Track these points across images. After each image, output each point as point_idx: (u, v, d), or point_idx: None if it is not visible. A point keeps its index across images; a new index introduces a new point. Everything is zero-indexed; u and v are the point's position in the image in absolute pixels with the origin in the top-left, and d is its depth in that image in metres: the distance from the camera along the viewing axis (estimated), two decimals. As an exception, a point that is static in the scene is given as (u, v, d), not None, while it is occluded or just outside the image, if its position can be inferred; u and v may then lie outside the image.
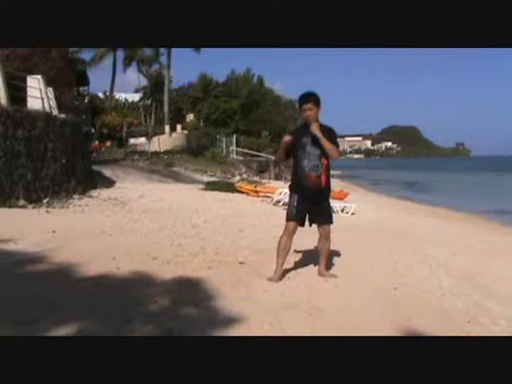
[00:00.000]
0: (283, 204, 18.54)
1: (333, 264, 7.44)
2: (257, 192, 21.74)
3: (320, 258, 6.68)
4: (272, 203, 19.37)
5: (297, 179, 6.36)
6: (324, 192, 6.40)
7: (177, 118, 62.41)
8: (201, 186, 24.56)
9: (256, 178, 33.50)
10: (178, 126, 42.76)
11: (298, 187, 6.36)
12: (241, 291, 5.68)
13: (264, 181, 32.44)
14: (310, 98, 6.23)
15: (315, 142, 6.16)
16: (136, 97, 74.52)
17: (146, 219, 11.89)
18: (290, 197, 6.48)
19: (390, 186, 45.85)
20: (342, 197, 21.22)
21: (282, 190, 20.34)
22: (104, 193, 18.62)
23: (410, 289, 6.44)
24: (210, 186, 23.86)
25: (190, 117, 65.45)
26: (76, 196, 16.61)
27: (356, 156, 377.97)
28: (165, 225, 11.02)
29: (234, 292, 5.61)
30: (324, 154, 6.20)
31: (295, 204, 6.33)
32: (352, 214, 16.82)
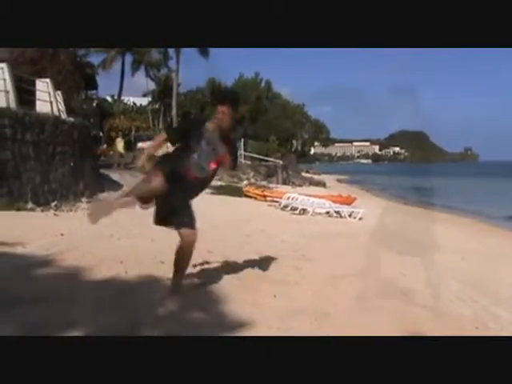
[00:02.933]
0: (291, 208, 18.57)
1: (340, 268, 7.43)
2: (264, 196, 21.80)
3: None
4: (280, 207, 19.39)
5: None
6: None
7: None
8: (208, 190, 24.58)
9: (264, 183, 33.54)
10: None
11: None
12: (248, 296, 5.68)
13: (271, 185, 32.50)
14: (227, 98, 5.52)
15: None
16: (144, 101, 74.70)
17: (154, 223, 11.89)
18: None
19: (398, 191, 45.74)
20: (349, 202, 21.27)
21: (289, 194, 20.37)
22: (112, 196, 18.63)
23: (418, 294, 6.42)
24: (218, 190, 23.90)
25: (199, 121, 65.60)
26: (84, 199, 16.66)
27: (363, 161, 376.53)
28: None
29: (241, 296, 5.61)
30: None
31: None
32: (360, 219, 16.82)
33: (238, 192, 23.71)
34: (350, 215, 17.24)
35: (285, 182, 38.36)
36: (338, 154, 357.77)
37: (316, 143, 72.78)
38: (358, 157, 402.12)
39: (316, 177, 52.60)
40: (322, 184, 44.56)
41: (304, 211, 17.74)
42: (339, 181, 66.35)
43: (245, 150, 44.92)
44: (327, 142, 78.58)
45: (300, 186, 38.59)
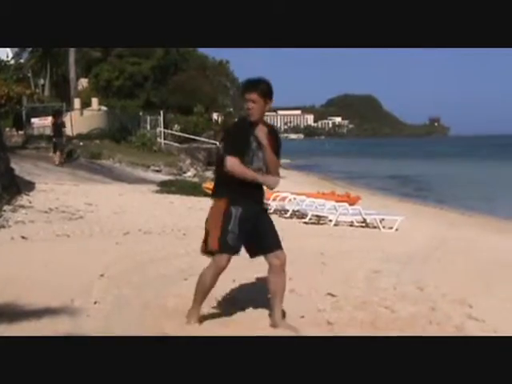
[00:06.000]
0: (293, 214, 18.52)
1: None
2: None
3: (273, 302, 6.62)
4: (269, 212, 19.25)
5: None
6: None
7: (63, 86, 60.36)
8: (152, 186, 24.32)
9: (209, 174, 33.40)
10: (94, 100, 41.67)
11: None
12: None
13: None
14: (257, 86, 6.27)
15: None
16: (2, 53, 70.06)
17: (141, 247, 11.56)
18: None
19: (378, 182, 46.61)
20: (353, 202, 21.45)
21: (282, 194, 20.29)
22: (35, 200, 18.04)
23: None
24: (167, 188, 23.64)
25: (83, 83, 63.96)
26: (7, 207, 15.99)
27: (293, 136, 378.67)
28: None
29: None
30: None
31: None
32: (396, 229, 16.98)
33: (194, 189, 23.46)
34: (381, 223, 17.37)
35: (231, 172, 38.13)
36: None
37: (242, 113, 72.30)
38: (285, 130, 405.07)
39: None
40: (274, 173, 44.59)
41: (319, 218, 17.75)
42: (283, 166, 66.80)
43: (166, 127, 44.47)
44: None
45: (251, 176, 38.54)
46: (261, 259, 9.71)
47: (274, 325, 6.48)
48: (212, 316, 6.98)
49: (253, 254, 6.53)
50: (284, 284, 6.50)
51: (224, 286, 8.38)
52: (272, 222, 6.51)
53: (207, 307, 7.26)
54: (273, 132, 6.43)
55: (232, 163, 6.10)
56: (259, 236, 6.36)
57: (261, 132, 6.19)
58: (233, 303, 7.61)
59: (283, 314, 6.67)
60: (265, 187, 6.36)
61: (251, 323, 6.68)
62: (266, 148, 6.20)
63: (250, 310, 7.16)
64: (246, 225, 6.20)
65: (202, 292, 6.52)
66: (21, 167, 25.19)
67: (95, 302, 7.33)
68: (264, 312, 7.02)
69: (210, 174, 34.28)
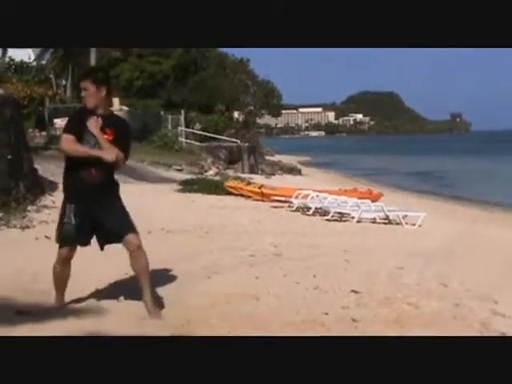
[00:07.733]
0: (317, 211, 18.52)
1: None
2: (264, 195, 21.57)
3: (141, 285, 6.74)
4: (291, 209, 19.34)
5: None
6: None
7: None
8: (174, 185, 24.25)
9: (230, 172, 33.46)
10: (116, 100, 41.73)
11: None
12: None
13: (244, 175, 32.43)
14: (89, 74, 6.49)
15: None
16: (24, 55, 70.18)
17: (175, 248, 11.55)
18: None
19: (399, 178, 46.47)
20: (375, 199, 21.41)
21: (304, 192, 20.31)
22: (58, 200, 17.93)
23: None
24: (190, 186, 23.59)
25: (104, 83, 63.88)
26: (32, 207, 16.05)
27: (314, 133, 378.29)
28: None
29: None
30: None
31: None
32: (419, 226, 16.93)
33: (216, 188, 23.43)
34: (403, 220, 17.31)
35: (252, 170, 38.25)
36: (280, 125, 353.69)
37: (263, 111, 72.44)
38: (306, 128, 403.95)
39: (284, 161, 52.75)
40: (296, 171, 44.70)
41: (341, 215, 17.72)
42: (304, 164, 66.87)
43: (187, 126, 44.51)
44: (278, 110, 78.25)
45: (272, 174, 38.65)
46: (284, 255, 9.73)
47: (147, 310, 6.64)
48: (233, 313, 6.98)
49: (102, 243, 6.74)
50: (144, 266, 6.57)
51: (247, 282, 8.47)
52: (120, 209, 6.58)
53: (230, 304, 7.29)
54: (116, 122, 6.55)
55: (64, 141, 6.27)
56: (105, 226, 6.51)
57: (92, 121, 6.25)
58: (256, 299, 7.64)
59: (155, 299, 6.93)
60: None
61: (277, 320, 6.70)
62: (99, 138, 6.23)
63: (274, 307, 7.17)
64: (83, 217, 6.41)
65: (55, 282, 6.83)
66: (44, 168, 25.21)
67: (119, 301, 7.37)
68: (289, 308, 7.07)
69: (231, 172, 34.36)
